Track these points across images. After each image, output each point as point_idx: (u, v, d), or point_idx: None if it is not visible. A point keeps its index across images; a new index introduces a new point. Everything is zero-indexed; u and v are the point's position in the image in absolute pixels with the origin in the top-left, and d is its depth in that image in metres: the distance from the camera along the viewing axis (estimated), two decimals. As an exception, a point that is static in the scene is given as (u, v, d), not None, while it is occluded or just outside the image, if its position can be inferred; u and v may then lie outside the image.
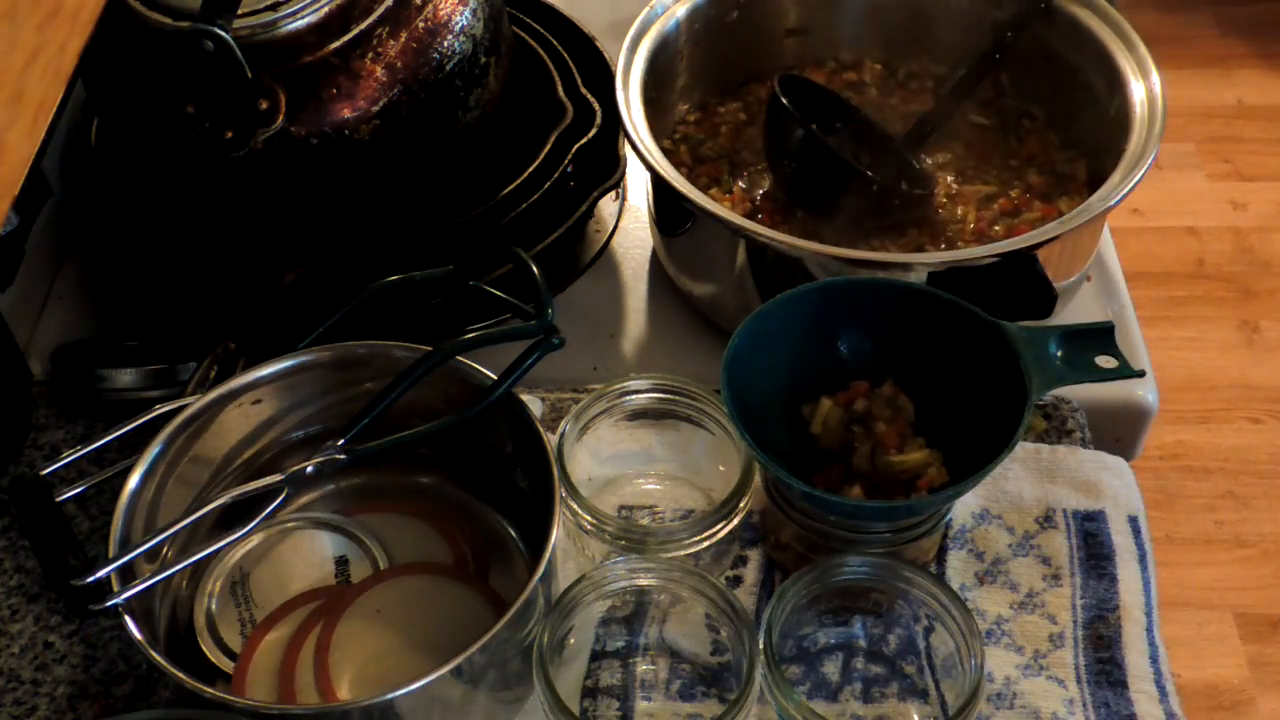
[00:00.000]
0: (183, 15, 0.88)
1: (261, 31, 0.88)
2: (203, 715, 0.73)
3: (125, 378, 0.95)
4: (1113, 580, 0.87)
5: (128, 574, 0.75)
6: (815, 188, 1.01)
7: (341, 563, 0.86)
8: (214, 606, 0.84)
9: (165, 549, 0.81)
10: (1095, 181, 0.97)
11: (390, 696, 0.71)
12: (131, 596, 0.73)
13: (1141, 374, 0.83)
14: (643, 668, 0.83)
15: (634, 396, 0.88)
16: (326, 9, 0.89)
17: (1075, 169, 1.03)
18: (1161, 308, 2.25)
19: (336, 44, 0.89)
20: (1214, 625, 1.86)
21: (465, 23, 0.95)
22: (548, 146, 1.01)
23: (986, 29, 1.07)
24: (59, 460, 0.81)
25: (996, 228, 1.00)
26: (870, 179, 0.98)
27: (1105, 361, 0.82)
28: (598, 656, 0.84)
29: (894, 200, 1.00)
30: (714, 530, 0.82)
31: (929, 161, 1.06)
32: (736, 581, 0.88)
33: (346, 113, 0.91)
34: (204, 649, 0.82)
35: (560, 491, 0.79)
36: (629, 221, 1.10)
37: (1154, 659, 0.84)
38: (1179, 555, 1.93)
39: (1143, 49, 0.99)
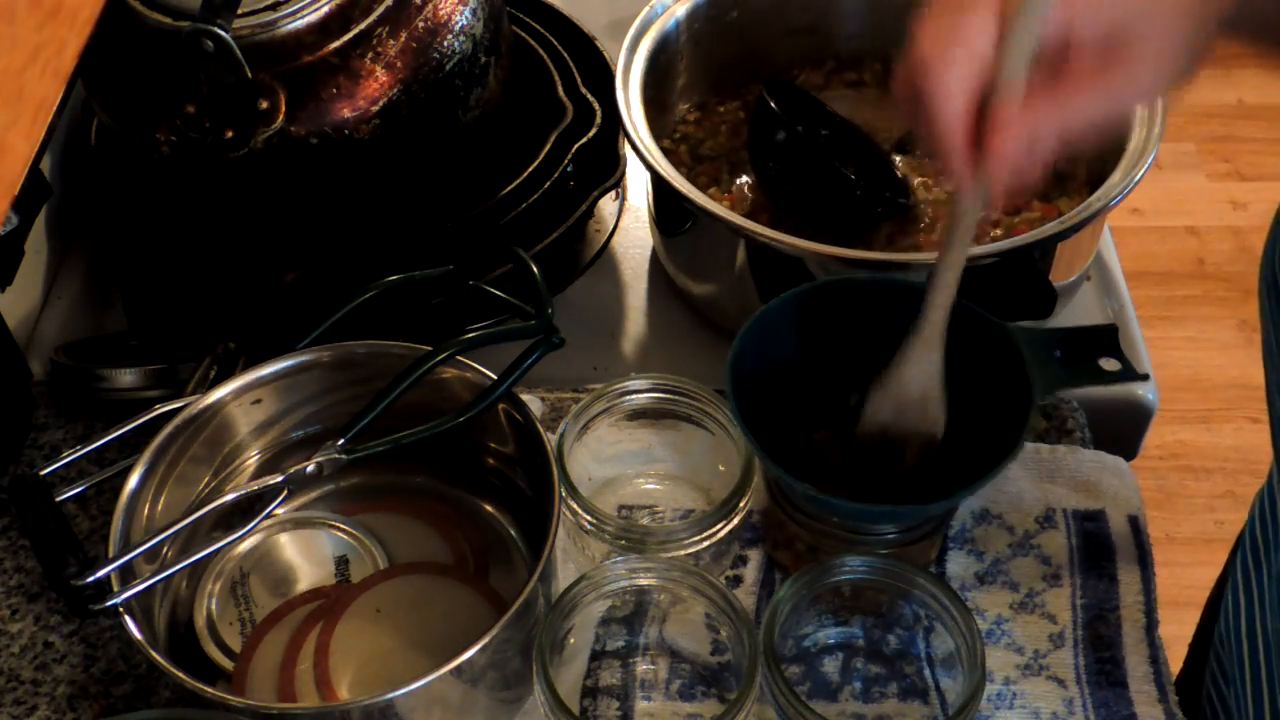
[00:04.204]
0: (183, 15, 0.88)
1: (261, 31, 0.88)
2: (203, 715, 0.73)
3: (125, 378, 0.95)
4: (1113, 580, 0.87)
5: (128, 574, 0.75)
6: (798, 190, 1.01)
7: (341, 563, 0.86)
8: (214, 606, 0.84)
9: (165, 549, 0.81)
10: (1095, 181, 0.97)
11: (390, 696, 0.71)
12: (131, 596, 0.73)
13: (1146, 377, 0.82)
14: (643, 667, 0.83)
15: (634, 396, 0.88)
16: (326, 9, 0.89)
17: (1075, 169, 1.03)
18: (1161, 308, 2.25)
19: (336, 44, 0.89)
20: (1214, 625, 1.86)
21: (465, 22, 0.95)
22: (548, 146, 1.01)
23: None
24: (59, 460, 0.81)
25: (996, 229, 1.00)
26: (853, 183, 0.98)
27: (1108, 364, 0.82)
28: (598, 656, 0.84)
29: (876, 207, 0.99)
30: (714, 530, 0.82)
31: (918, 167, 1.06)
32: (736, 581, 0.88)
33: (346, 113, 0.91)
34: (204, 649, 0.82)
35: (560, 491, 0.79)
36: (629, 221, 1.10)
37: (1154, 659, 0.84)
38: (1179, 555, 1.93)
39: (1143, 49, 0.99)
